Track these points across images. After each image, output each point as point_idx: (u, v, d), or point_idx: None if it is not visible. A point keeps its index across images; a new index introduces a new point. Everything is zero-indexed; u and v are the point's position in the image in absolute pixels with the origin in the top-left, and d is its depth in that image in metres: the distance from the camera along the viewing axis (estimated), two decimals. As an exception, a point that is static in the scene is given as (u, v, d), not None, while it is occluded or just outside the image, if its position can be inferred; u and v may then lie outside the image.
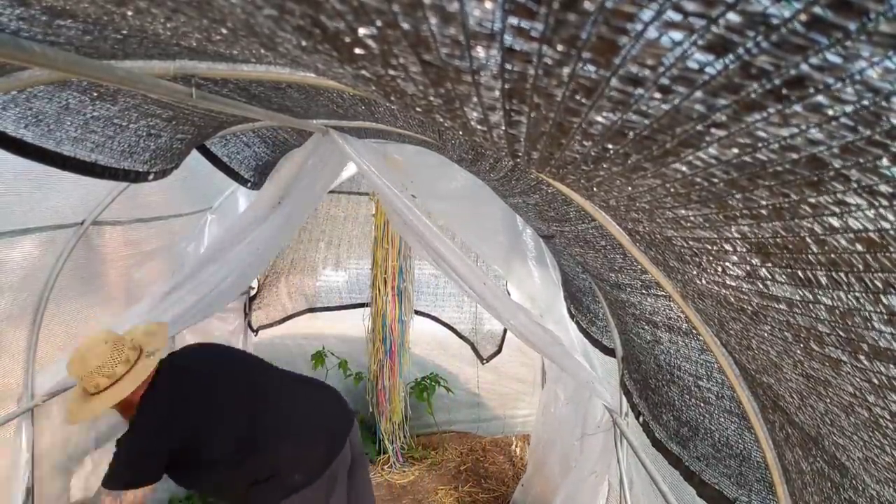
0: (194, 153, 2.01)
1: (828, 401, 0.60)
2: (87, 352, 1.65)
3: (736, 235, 0.51)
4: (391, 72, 0.44)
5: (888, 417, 0.50)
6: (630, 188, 0.57)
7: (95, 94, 1.20)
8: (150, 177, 1.71)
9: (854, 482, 0.66)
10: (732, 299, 0.67)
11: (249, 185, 2.56)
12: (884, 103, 0.29)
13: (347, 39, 0.39)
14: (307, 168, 2.30)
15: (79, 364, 1.64)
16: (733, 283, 0.62)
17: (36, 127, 1.21)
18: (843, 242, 0.40)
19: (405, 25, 0.35)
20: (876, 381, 0.49)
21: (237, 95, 1.43)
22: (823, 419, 0.65)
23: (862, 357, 0.48)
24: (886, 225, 0.35)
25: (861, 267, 0.40)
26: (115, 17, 0.69)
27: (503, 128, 0.52)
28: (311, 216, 3.72)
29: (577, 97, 0.38)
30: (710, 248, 0.59)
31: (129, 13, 0.65)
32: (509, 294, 2.74)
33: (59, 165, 1.34)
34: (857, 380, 0.51)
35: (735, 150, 0.37)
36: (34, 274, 1.80)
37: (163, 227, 2.45)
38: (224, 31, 0.61)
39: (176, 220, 2.53)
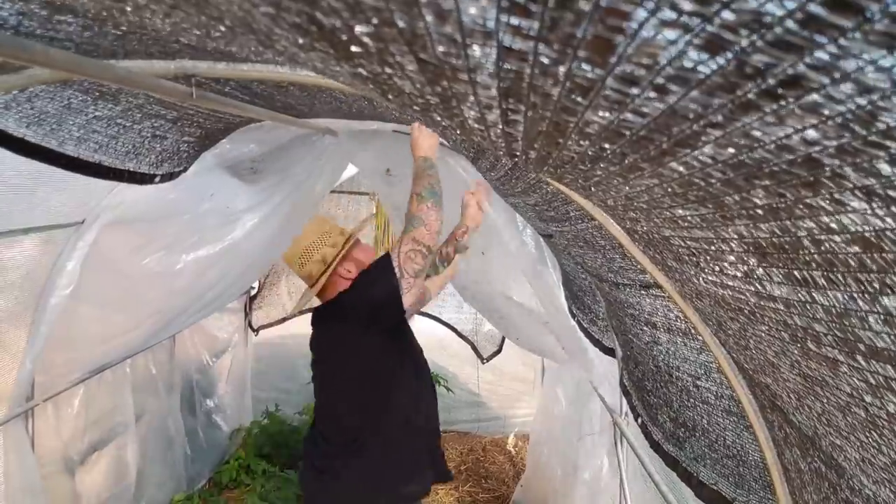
0: (195, 153, 2.00)
1: (825, 401, 0.60)
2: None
3: (733, 235, 0.51)
4: (387, 70, 0.44)
5: (885, 418, 0.50)
6: (627, 188, 0.57)
7: (97, 94, 1.20)
8: (157, 179, 1.71)
9: (851, 482, 0.66)
10: (730, 299, 0.67)
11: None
12: (880, 103, 0.29)
13: (343, 37, 0.40)
14: (307, 168, 2.30)
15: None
16: (731, 283, 0.62)
17: (38, 127, 1.21)
18: (840, 243, 0.40)
19: (401, 23, 0.35)
20: (873, 381, 0.48)
21: (239, 94, 1.42)
22: (820, 419, 0.65)
23: (859, 357, 0.48)
24: (882, 225, 0.35)
25: (857, 267, 0.40)
26: (115, 13, 0.70)
27: (500, 126, 0.52)
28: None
29: (574, 96, 0.38)
30: (707, 247, 0.59)
31: (128, 9, 0.65)
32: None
33: (63, 165, 1.33)
34: (855, 380, 0.51)
35: (731, 150, 0.37)
36: (34, 273, 1.80)
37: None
38: (222, 28, 0.61)
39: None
